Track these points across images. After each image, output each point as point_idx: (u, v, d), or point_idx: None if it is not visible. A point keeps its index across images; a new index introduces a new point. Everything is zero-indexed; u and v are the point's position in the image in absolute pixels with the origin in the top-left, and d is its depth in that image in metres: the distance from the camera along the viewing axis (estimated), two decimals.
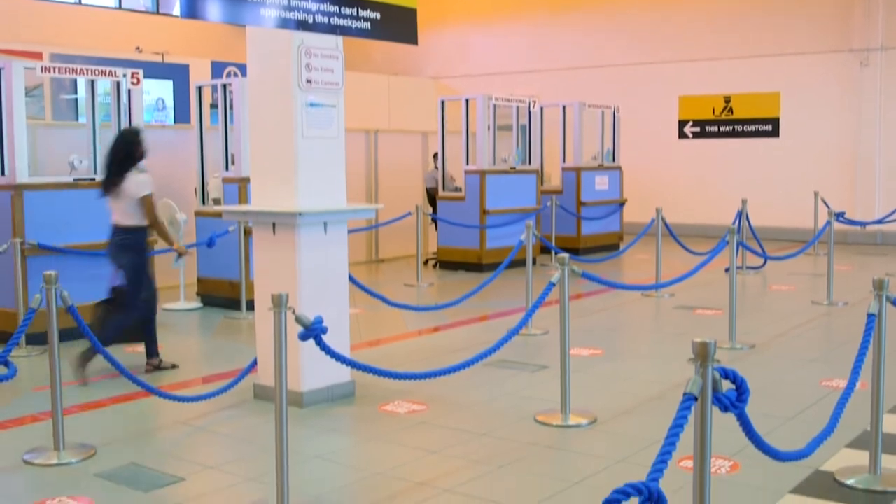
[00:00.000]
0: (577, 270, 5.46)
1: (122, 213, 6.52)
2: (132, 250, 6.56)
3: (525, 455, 4.74)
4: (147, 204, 6.48)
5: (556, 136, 14.32)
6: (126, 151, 6.55)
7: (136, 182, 6.47)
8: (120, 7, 17.50)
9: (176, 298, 9.57)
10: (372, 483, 4.40)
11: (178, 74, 14.57)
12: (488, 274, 9.50)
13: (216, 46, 17.39)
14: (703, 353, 2.76)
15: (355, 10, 5.71)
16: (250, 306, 8.35)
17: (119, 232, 6.56)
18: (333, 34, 5.64)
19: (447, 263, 12.53)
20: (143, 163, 6.63)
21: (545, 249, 12.14)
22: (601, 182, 14.38)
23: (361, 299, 8.41)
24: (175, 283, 9.64)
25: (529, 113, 12.91)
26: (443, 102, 12.71)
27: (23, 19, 15.11)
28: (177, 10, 17.88)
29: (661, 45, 17.22)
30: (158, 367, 6.65)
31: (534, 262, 8.94)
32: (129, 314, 6.57)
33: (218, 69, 14.67)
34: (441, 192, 12.64)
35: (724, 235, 7.52)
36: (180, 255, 7.33)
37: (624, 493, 2.35)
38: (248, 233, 8.55)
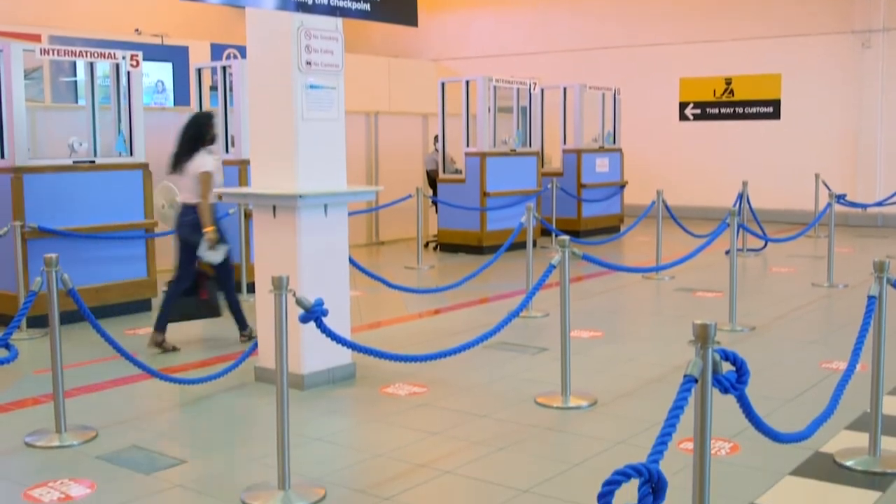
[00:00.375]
0: (577, 253, 5.46)
1: (189, 190, 6.64)
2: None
3: (525, 437, 4.75)
4: (203, 180, 6.55)
5: (557, 119, 14.26)
6: (197, 133, 6.70)
7: (200, 159, 6.60)
8: None
9: None
10: (373, 465, 4.41)
11: (177, 57, 14.51)
12: (489, 256, 9.49)
13: (216, 28, 17.31)
14: (703, 335, 2.75)
15: None
16: (251, 289, 8.34)
17: (189, 211, 6.64)
18: (333, 16, 5.62)
19: (447, 246, 12.53)
20: (213, 147, 6.79)
21: (545, 232, 12.12)
22: (602, 164, 14.35)
23: (362, 282, 8.41)
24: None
25: (530, 95, 12.86)
26: (443, 84, 12.66)
27: (22, 1, 15.03)
28: None
29: (662, 27, 17.15)
30: (160, 346, 6.68)
31: (534, 245, 8.93)
32: (179, 285, 6.76)
33: (217, 51, 14.63)
34: (441, 175, 12.61)
35: (725, 218, 7.52)
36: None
37: (624, 474, 2.36)
38: (248, 215, 8.55)
